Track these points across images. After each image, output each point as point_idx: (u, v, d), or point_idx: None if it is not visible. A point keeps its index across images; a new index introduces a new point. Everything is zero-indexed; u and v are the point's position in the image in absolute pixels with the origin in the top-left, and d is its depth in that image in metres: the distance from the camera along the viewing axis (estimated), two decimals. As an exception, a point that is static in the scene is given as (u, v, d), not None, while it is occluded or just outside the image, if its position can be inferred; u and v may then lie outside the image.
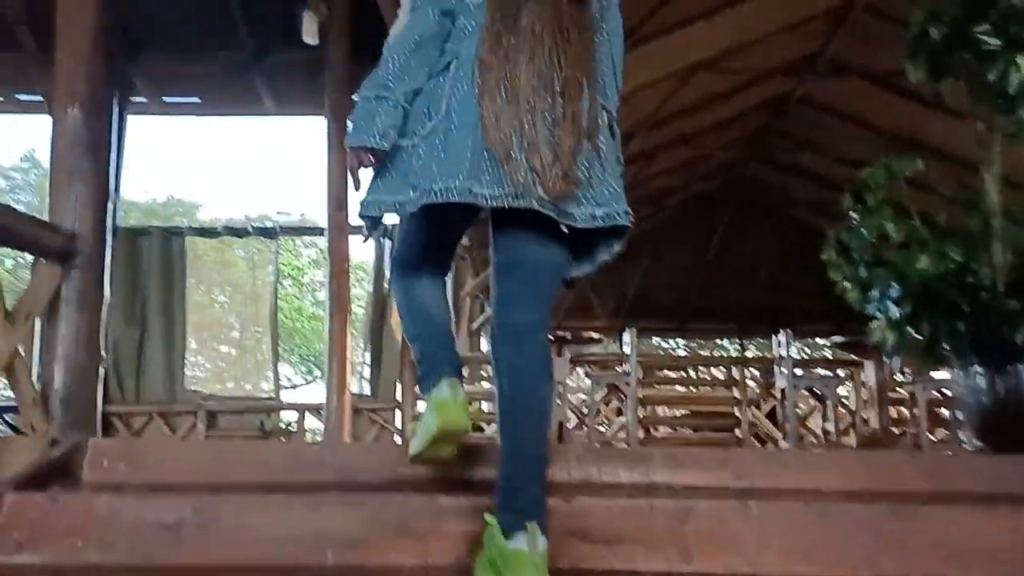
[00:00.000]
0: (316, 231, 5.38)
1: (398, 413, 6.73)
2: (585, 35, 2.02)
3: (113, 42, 3.48)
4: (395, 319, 6.74)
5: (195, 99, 7.59)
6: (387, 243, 6.82)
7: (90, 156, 3.21)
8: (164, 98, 7.60)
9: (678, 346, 20.46)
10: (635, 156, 10.97)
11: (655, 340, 20.03)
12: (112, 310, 6.66)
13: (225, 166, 31.41)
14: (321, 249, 20.61)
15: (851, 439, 6.35)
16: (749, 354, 18.92)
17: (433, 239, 2.19)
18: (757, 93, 11.08)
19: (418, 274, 2.19)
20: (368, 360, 6.72)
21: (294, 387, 17.37)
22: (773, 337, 6.49)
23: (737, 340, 17.82)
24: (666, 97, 9.91)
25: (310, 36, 5.37)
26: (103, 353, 6.66)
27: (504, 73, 1.90)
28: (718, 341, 19.28)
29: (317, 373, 24.59)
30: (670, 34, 8.22)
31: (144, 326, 6.63)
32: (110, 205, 7.48)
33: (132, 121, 9.02)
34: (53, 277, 3.03)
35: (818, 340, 19.08)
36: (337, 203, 4.61)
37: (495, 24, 1.93)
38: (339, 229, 4.58)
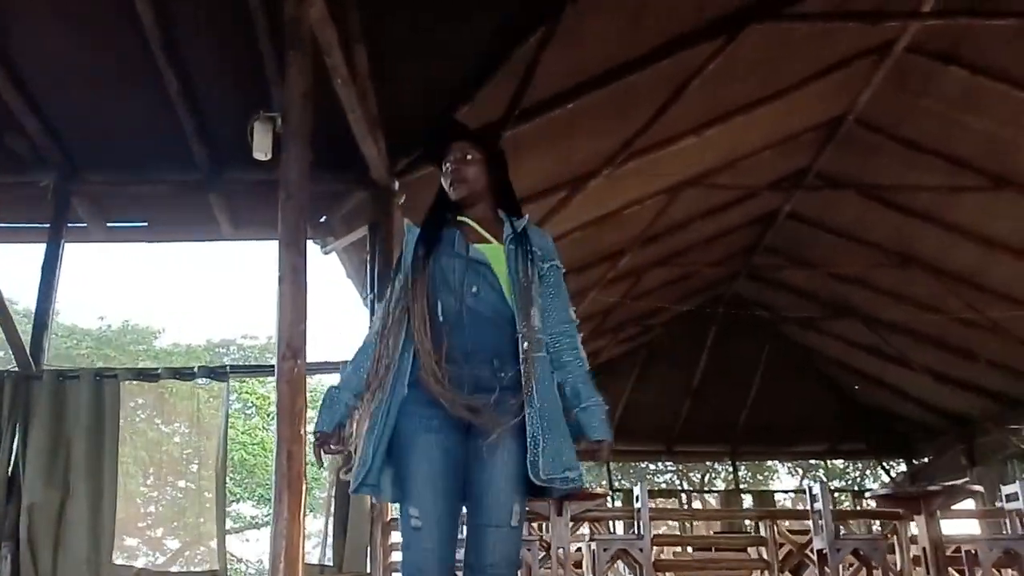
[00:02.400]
0: (269, 370, 4.36)
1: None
2: None
3: None
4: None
5: (142, 223, 6.69)
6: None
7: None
8: (108, 223, 6.68)
9: (665, 469, 19.27)
10: (624, 274, 10.21)
11: (643, 464, 18.90)
12: (31, 469, 5.53)
13: (186, 287, 30.16)
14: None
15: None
16: (743, 475, 17.85)
17: None
18: (746, 209, 10.46)
19: None
20: (331, 523, 5.59)
21: (256, 527, 15.84)
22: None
23: (729, 462, 16.73)
24: (656, 213, 9.22)
25: (261, 151, 4.55)
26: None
27: None
28: (708, 463, 18.16)
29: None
30: (661, 150, 7.59)
31: (67, 488, 5.49)
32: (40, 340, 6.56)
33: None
34: None
35: (811, 462, 18.06)
36: (289, 351, 3.63)
37: None
38: (291, 385, 3.58)
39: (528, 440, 1.98)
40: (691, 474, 19.34)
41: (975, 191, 8.91)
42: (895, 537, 5.52)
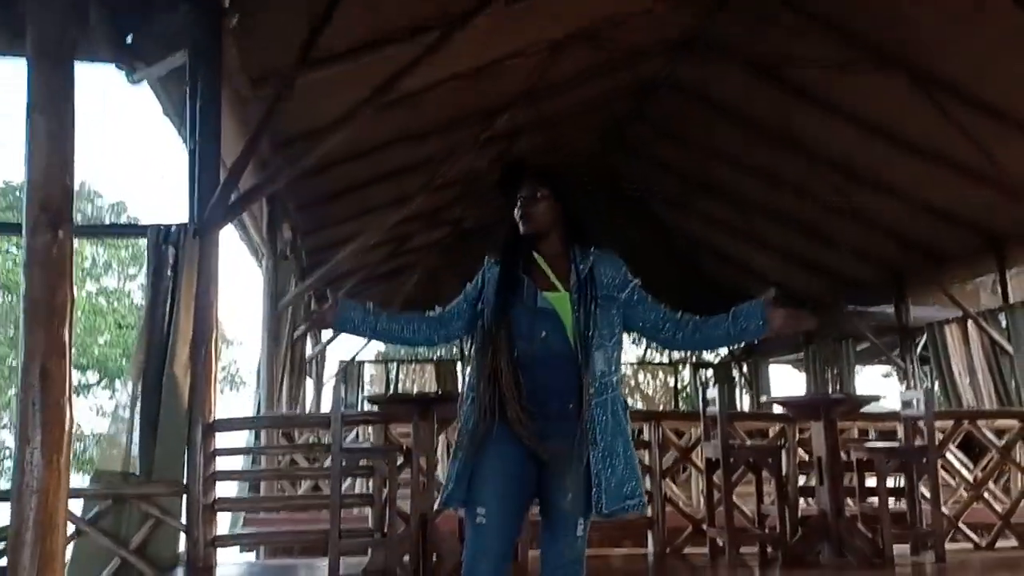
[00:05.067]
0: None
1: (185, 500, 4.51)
2: None
3: None
4: (182, 362, 4.46)
5: None
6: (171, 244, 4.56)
7: None
8: None
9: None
10: (500, 135, 9.08)
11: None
12: None
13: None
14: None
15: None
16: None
17: None
18: (628, 74, 9.50)
19: None
20: (137, 423, 4.41)
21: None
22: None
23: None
24: (535, 70, 8.05)
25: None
26: None
27: None
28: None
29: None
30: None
31: None
32: None
33: None
34: None
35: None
36: (44, 216, 2.38)
37: None
38: (47, 267, 2.34)
39: (592, 477, 2.16)
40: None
41: (861, 73, 8.28)
42: (783, 440, 4.99)
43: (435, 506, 2.42)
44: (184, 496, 4.47)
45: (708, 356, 17.16)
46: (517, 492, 2.21)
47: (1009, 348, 10.12)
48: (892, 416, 5.10)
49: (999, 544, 5.02)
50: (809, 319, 2.14)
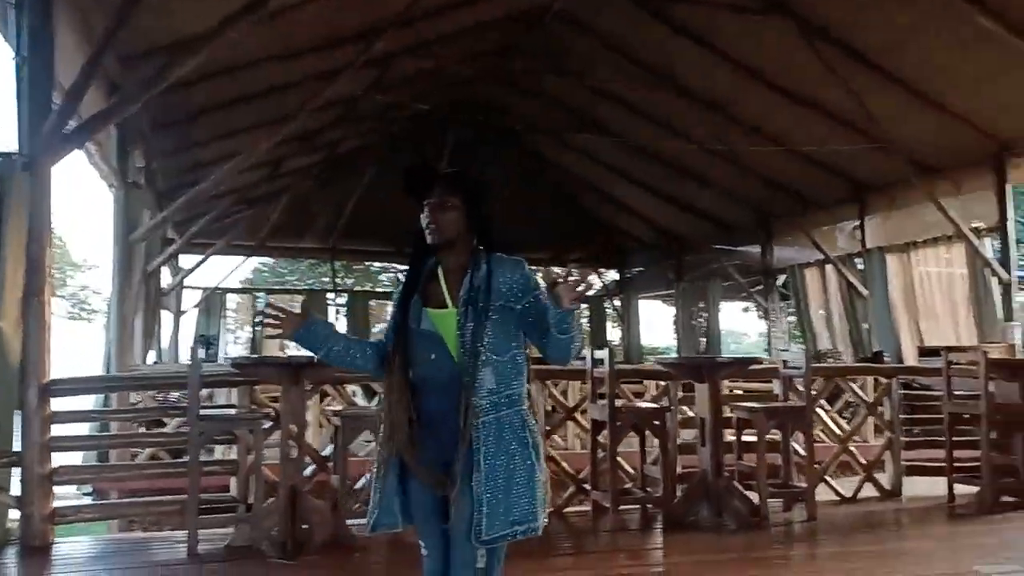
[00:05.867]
0: None
1: (16, 474, 3.99)
2: None
3: None
4: (11, 317, 3.86)
5: None
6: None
7: None
8: None
9: (399, 271, 18.31)
10: (379, 58, 8.43)
11: (374, 266, 17.76)
12: None
13: None
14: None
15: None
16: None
17: None
18: (513, 2, 9.05)
19: None
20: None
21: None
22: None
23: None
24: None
25: None
26: None
27: None
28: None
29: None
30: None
31: None
32: None
33: None
34: None
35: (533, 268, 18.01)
36: None
37: None
38: None
39: (475, 503, 2.04)
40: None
41: (750, 16, 8.18)
42: (666, 398, 4.92)
43: (367, 531, 2.18)
44: (17, 467, 3.93)
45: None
46: (440, 519, 2.13)
47: (864, 291, 10.60)
48: (771, 372, 5.12)
49: (862, 494, 5.22)
50: (586, 282, 2.01)
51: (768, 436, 4.60)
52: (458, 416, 2.04)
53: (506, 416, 2.09)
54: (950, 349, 8.86)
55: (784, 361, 4.91)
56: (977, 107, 8.26)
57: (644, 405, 5.21)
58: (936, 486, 5.21)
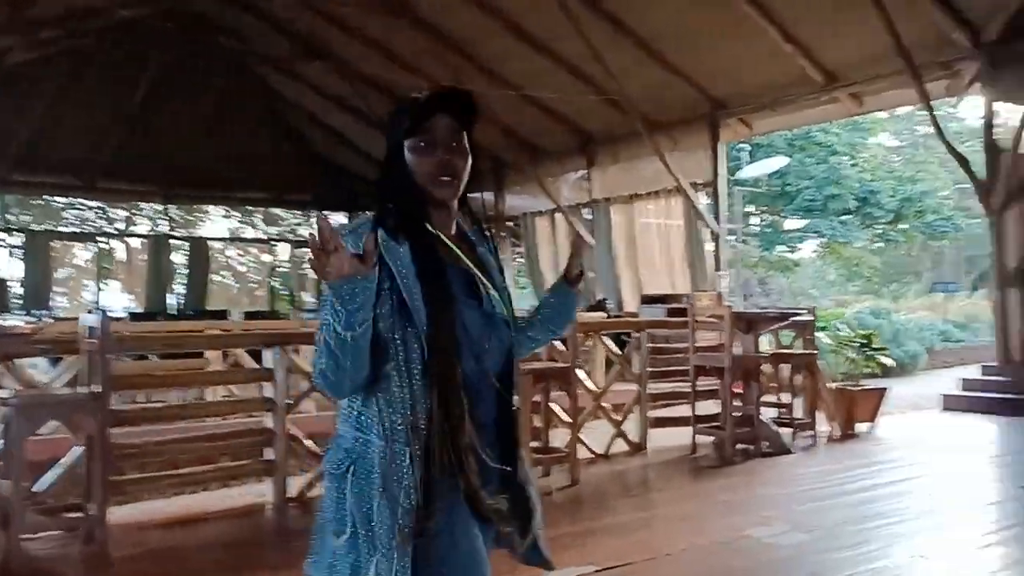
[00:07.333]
0: None
1: None
2: None
3: None
4: None
5: None
6: None
7: None
8: None
9: (81, 206, 15.68)
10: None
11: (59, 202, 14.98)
12: None
13: None
14: None
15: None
16: (177, 220, 15.32)
17: None
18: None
19: None
20: None
21: None
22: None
23: (160, 203, 14.15)
24: None
25: None
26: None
27: None
28: (134, 204, 15.17)
29: None
30: None
31: None
32: None
33: None
34: None
35: (249, 208, 16.49)
36: None
37: None
38: None
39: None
40: (112, 213, 16.14)
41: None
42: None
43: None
44: None
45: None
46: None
47: (591, 240, 10.83)
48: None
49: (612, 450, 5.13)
50: (584, 246, 1.66)
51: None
52: (495, 429, 1.48)
53: None
54: (668, 297, 9.43)
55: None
56: (697, 66, 8.58)
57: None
58: (673, 436, 5.27)
